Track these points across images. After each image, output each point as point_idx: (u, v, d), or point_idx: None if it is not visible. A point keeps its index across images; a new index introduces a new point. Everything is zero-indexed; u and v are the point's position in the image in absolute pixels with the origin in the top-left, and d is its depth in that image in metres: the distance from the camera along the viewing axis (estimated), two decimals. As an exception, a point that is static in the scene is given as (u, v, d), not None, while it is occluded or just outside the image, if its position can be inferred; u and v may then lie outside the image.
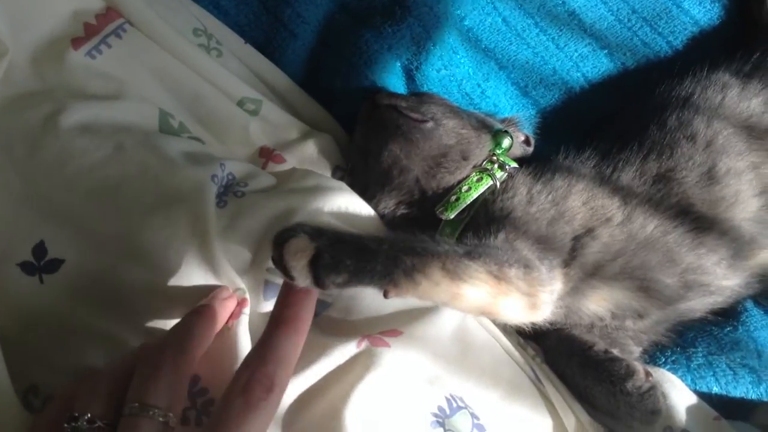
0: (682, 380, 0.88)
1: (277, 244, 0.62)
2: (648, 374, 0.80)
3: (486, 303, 0.72)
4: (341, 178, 0.96)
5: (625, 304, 0.88)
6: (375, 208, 0.92)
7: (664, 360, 0.90)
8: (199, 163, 0.83)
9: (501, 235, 0.81)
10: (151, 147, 0.82)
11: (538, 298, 0.75)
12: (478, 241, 0.81)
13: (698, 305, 0.91)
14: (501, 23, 1.08)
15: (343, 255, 0.63)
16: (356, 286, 0.64)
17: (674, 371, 0.89)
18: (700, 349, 0.91)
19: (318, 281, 0.61)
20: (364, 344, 0.70)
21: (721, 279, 0.90)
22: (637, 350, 0.91)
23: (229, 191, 0.83)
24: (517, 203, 0.86)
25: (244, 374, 0.58)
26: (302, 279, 0.61)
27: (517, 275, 0.73)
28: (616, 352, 0.84)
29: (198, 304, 0.70)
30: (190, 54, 0.92)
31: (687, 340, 0.93)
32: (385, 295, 0.66)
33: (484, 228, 0.83)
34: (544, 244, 0.82)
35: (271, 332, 0.61)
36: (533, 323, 0.79)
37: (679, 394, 0.85)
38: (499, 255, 0.74)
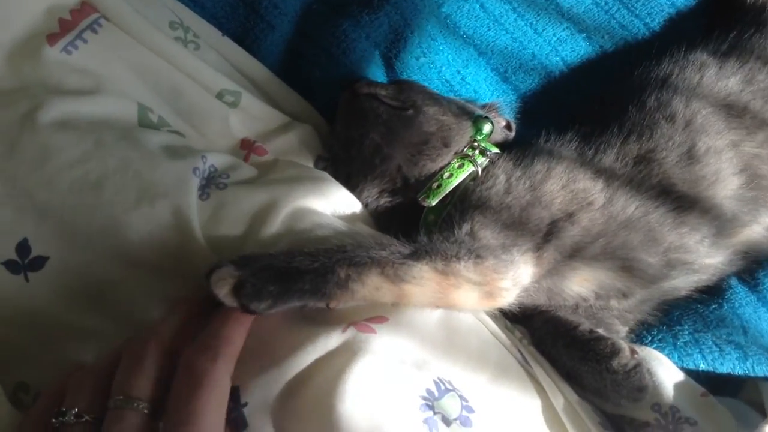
0: (669, 358, 0.90)
1: (206, 275, 0.67)
2: (633, 351, 0.81)
3: (437, 297, 0.76)
4: (324, 168, 0.98)
5: (609, 284, 0.89)
6: (358, 197, 0.93)
7: (650, 339, 0.92)
8: (180, 156, 0.83)
9: (465, 227, 0.83)
10: (132, 141, 0.83)
11: (495, 286, 0.79)
12: (447, 231, 0.84)
13: (682, 284, 0.93)
14: (479, 9, 1.09)
15: (267, 282, 0.68)
16: (286, 307, 0.69)
17: (661, 349, 0.90)
18: (686, 327, 0.93)
19: (244, 308, 0.66)
20: (350, 331, 0.71)
21: (704, 257, 0.92)
22: (623, 329, 0.92)
23: (212, 183, 0.84)
24: (494, 193, 0.87)
25: (188, 351, 0.62)
26: (231, 304, 0.67)
27: (466, 267, 0.77)
28: (601, 331, 0.85)
29: (180, 298, 0.71)
30: (167, 47, 0.92)
31: (673, 319, 0.94)
32: (327, 307, 0.71)
33: (454, 217, 0.86)
34: (515, 230, 0.84)
35: (212, 321, 0.66)
36: (501, 308, 0.82)
37: (666, 372, 0.86)
38: (449, 250, 0.77)
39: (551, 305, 0.90)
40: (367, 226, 0.91)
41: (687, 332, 0.92)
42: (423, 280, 0.75)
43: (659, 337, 0.92)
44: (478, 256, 0.79)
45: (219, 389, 0.60)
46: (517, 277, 0.82)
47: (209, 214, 0.81)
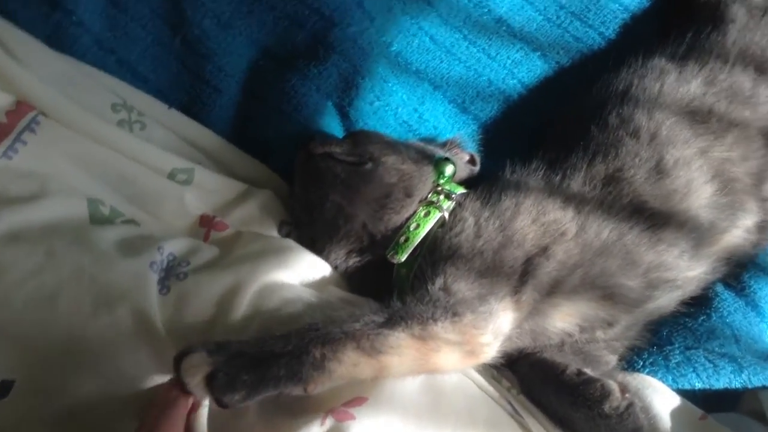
0: (663, 381, 0.89)
1: (176, 360, 0.65)
2: (624, 391, 0.79)
3: (418, 365, 0.74)
4: (288, 234, 0.96)
5: (592, 315, 0.87)
6: (326, 260, 0.92)
7: (642, 363, 0.91)
8: (136, 252, 0.82)
9: (438, 281, 0.81)
10: (84, 244, 0.82)
11: (475, 343, 0.77)
12: (420, 288, 0.82)
13: (667, 301, 0.91)
14: (429, 42, 1.07)
15: (240, 370, 0.66)
16: (261, 397, 0.67)
17: (654, 373, 0.89)
18: (676, 345, 0.92)
19: (217, 401, 0.65)
20: (329, 421, 0.69)
21: (686, 271, 0.90)
22: (613, 359, 0.91)
23: (171, 275, 0.83)
24: (464, 239, 0.85)
25: None
26: (201, 395, 0.65)
27: (444, 328, 0.75)
28: (589, 371, 0.83)
29: (149, 404, 0.69)
30: (111, 135, 0.91)
31: (662, 338, 0.94)
32: (305, 391, 0.69)
33: (426, 271, 0.84)
34: (490, 276, 0.82)
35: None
36: (484, 364, 0.80)
37: (661, 400, 0.85)
38: (424, 312, 0.76)
39: (536, 346, 0.88)
40: (338, 288, 0.90)
41: (678, 351, 0.91)
42: (401, 349, 0.73)
43: (650, 360, 0.91)
44: (455, 314, 0.77)
45: None
46: (497, 329, 0.80)
47: (172, 310, 0.80)
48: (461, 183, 0.96)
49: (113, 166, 0.91)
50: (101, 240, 0.82)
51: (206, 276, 0.83)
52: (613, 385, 0.79)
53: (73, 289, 0.77)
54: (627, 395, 0.79)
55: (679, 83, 0.97)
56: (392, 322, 0.74)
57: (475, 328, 0.77)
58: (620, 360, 0.92)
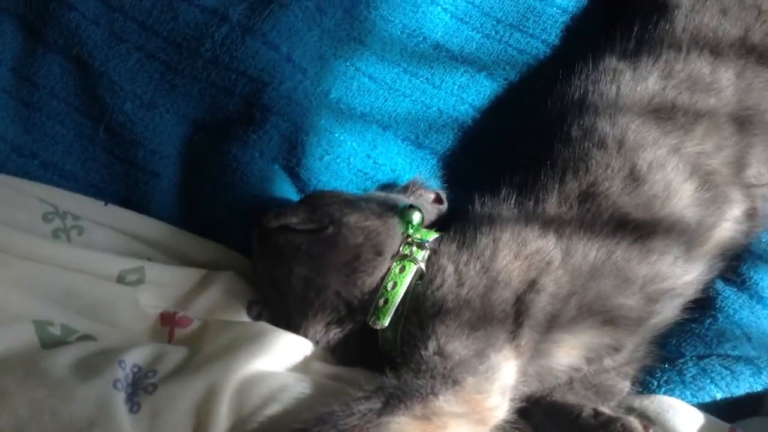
0: (681, 398, 0.85)
1: None
2: (647, 427, 0.76)
3: None
4: (258, 315, 0.92)
5: (596, 344, 0.84)
6: (305, 336, 0.87)
7: (656, 384, 0.87)
8: (96, 373, 0.76)
9: (431, 345, 0.77)
10: (37, 377, 0.75)
11: (483, 408, 0.73)
12: (412, 353, 0.78)
13: (669, 312, 0.88)
14: (368, 82, 1.05)
15: None
16: None
17: (671, 392, 0.86)
18: (688, 356, 0.89)
19: None
20: None
21: (683, 276, 0.87)
22: (626, 385, 0.88)
23: (139, 389, 0.77)
24: (447, 291, 0.81)
25: None
26: None
27: (447, 401, 0.71)
28: (606, 408, 0.79)
29: None
30: (47, 250, 0.87)
31: (672, 350, 0.91)
32: None
33: (415, 333, 0.80)
34: (483, 326, 0.78)
35: None
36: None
37: (684, 420, 0.81)
38: (423, 387, 0.71)
39: (545, 389, 0.84)
40: (322, 363, 0.86)
41: (691, 363, 0.88)
42: None
43: (665, 378, 0.88)
44: (455, 382, 0.73)
45: None
46: (502, 386, 0.76)
47: (146, 428, 0.73)
48: (432, 226, 0.92)
49: (56, 282, 0.86)
50: (55, 366, 0.76)
51: (178, 384, 0.77)
52: (634, 423, 0.75)
53: (35, 429, 0.71)
54: (651, 431, 0.76)
55: (636, 82, 0.94)
56: (390, 406, 0.69)
57: (479, 392, 0.73)
58: (633, 384, 0.88)
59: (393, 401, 0.70)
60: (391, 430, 0.68)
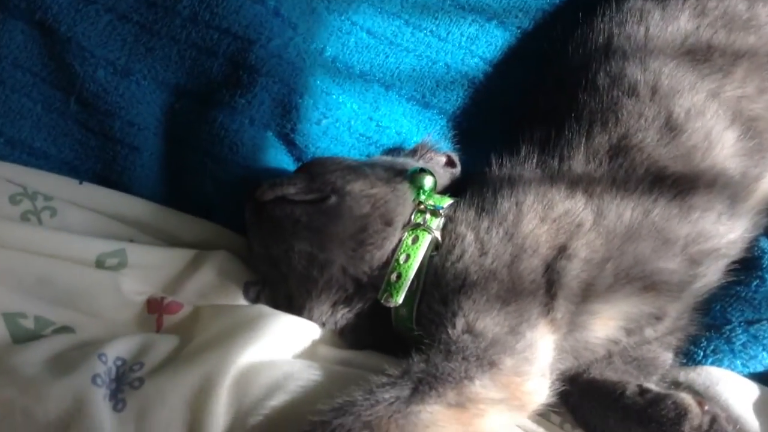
0: (731, 369, 0.81)
1: None
2: (702, 404, 0.69)
3: None
4: (257, 297, 0.86)
5: (636, 313, 0.78)
6: (310, 318, 0.81)
7: (702, 354, 0.82)
8: (73, 368, 0.70)
9: (459, 323, 0.71)
10: (5, 376, 0.69)
11: (522, 392, 0.68)
12: (436, 332, 0.71)
13: (714, 275, 0.82)
14: (367, 37, 0.98)
15: None
16: None
17: (719, 362, 0.81)
18: (735, 322, 0.84)
19: None
20: None
21: (727, 234, 0.82)
22: (669, 356, 0.83)
23: (124, 384, 0.71)
24: (469, 262, 0.75)
25: None
26: None
27: (484, 386, 0.66)
28: (653, 385, 0.74)
29: None
30: (15, 234, 0.81)
31: (717, 316, 0.85)
32: None
33: (439, 310, 0.73)
34: (514, 299, 0.72)
35: None
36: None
37: (736, 393, 0.76)
38: (455, 370, 0.65)
39: (581, 365, 0.78)
40: (330, 348, 0.80)
41: (740, 330, 0.83)
42: (438, 425, 0.63)
43: (711, 347, 0.83)
44: (491, 364, 0.67)
45: None
46: (542, 365, 0.70)
47: (132, 427, 0.68)
48: (445, 192, 0.86)
49: (27, 270, 0.80)
50: (25, 364, 0.70)
51: (167, 377, 0.71)
52: (687, 400, 0.70)
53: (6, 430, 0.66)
54: (706, 407, 0.69)
55: (666, 21, 0.88)
56: (420, 393, 0.63)
57: (518, 375, 0.67)
58: (677, 355, 0.83)
59: (423, 387, 0.64)
60: (422, 420, 0.62)
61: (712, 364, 0.81)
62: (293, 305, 0.81)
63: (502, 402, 0.66)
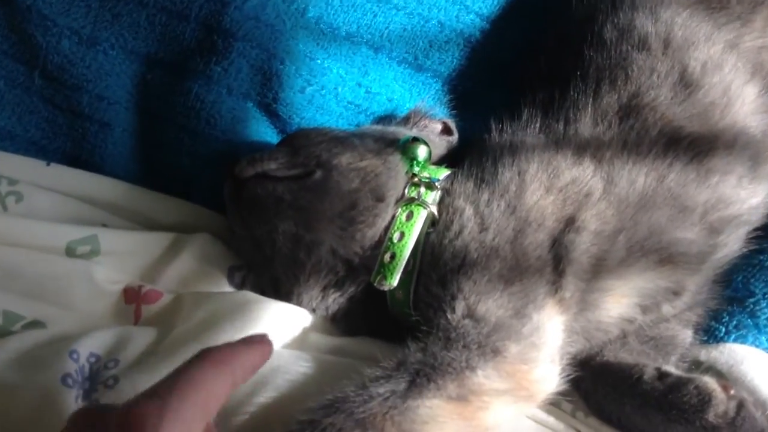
0: (757, 345, 0.76)
1: None
2: (727, 388, 0.64)
3: None
4: (242, 282, 0.81)
5: (652, 289, 0.73)
6: (298, 304, 0.75)
7: (724, 330, 0.77)
8: (41, 368, 0.66)
9: (459, 307, 0.66)
10: None
11: (530, 381, 0.63)
12: (433, 314, 0.67)
13: (734, 244, 0.77)
14: None
15: None
16: None
17: (743, 339, 0.77)
18: (759, 294, 0.79)
19: None
20: None
21: (749, 199, 0.77)
22: (688, 334, 0.78)
23: (97, 383, 0.67)
24: (469, 239, 0.70)
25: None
26: None
27: (487, 376, 0.61)
28: (672, 368, 0.69)
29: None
30: None
31: (739, 288, 0.80)
32: None
33: (437, 293, 0.68)
34: (518, 278, 0.68)
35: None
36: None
37: (763, 372, 0.71)
38: (455, 359, 0.61)
39: (593, 346, 0.73)
40: (321, 335, 0.75)
41: (764, 302, 0.78)
42: (438, 420, 0.59)
43: (734, 323, 0.78)
44: (494, 351, 0.62)
45: None
46: (551, 350, 0.66)
47: None
48: (441, 162, 0.81)
49: None
50: None
51: (144, 374, 0.66)
52: (711, 384, 0.65)
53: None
54: (732, 392, 0.65)
55: None
56: (417, 386, 0.59)
57: (525, 362, 0.63)
58: (697, 332, 0.78)
59: (420, 380, 0.60)
60: (420, 416, 0.58)
61: (736, 340, 0.76)
62: (280, 291, 0.76)
63: (507, 393, 0.61)
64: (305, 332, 0.74)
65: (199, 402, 0.46)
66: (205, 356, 0.50)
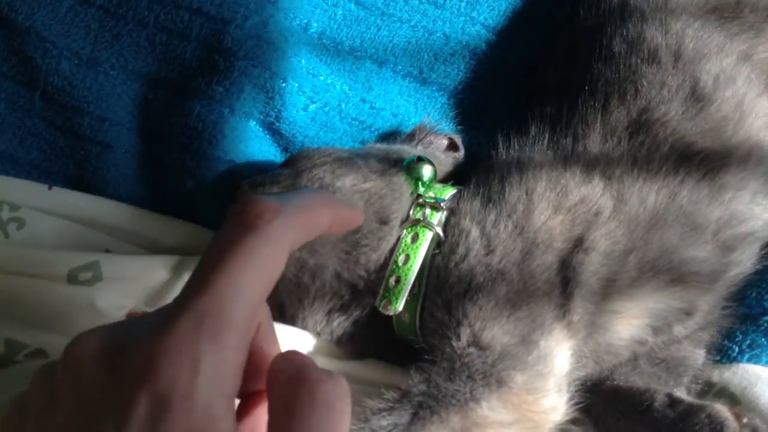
0: None
1: None
2: (740, 416, 0.63)
3: None
4: None
5: (664, 309, 0.71)
6: (303, 328, 0.75)
7: (738, 350, 0.75)
8: None
9: (464, 334, 0.65)
10: None
11: (536, 412, 0.62)
12: (438, 341, 0.66)
13: (748, 261, 0.75)
14: (356, 9, 0.89)
15: None
16: None
17: (756, 359, 0.74)
18: None
19: None
20: None
21: (762, 215, 0.74)
22: (700, 354, 0.76)
23: None
24: (475, 262, 0.68)
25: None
26: None
27: (492, 408, 0.60)
28: (684, 393, 0.68)
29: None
30: None
31: (752, 305, 0.78)
32: None
33: (441, 318, 0.67)
34: (525, 302, 0.66)
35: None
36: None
37: None
38: (459, 391, 0.60)
39: (602, 370, 0.72)
40: (326, 359, 0.75)
41: None
42: None
43: (747, 342, 0.76)
44: (499, 382, 0.61)
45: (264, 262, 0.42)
46: (558, 378, 0.64)
47: None
48: (448, 179, 0.80)
49: None
50: None
51: None
52: (723, 413, 0.63)
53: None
54: (745, 420, 0.63)
55: None
56: (421, 419, 0.59)
57: (531, 392, 0.61)
58: (709, 352, 0.76)
59: (423, 412, 0.60)
60: None
61: (749, 360, 0.73)
62: (285, 314, 0.75)
63: (513, 425, 0.60)
64: (310, 356, 0.74)
65: (305, 221, 0.45)
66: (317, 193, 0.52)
